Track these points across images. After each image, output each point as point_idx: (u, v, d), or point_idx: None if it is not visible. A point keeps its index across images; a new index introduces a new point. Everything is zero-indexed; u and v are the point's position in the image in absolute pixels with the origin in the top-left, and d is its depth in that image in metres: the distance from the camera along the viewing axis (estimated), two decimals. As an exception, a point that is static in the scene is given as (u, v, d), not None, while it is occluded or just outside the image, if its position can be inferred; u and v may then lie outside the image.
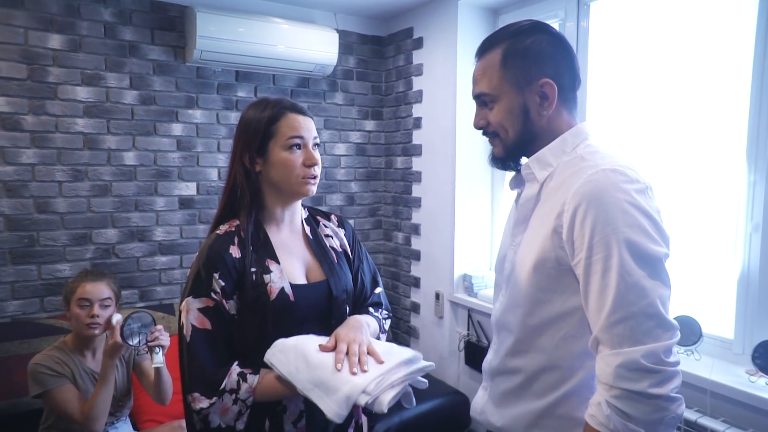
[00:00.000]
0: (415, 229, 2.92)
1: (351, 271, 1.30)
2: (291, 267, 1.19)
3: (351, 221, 3.09)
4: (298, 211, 1.26)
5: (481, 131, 1.08)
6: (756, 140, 1.61)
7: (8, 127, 2.19)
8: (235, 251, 1.13)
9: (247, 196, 1.16)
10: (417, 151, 2.87)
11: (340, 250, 1.30)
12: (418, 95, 2.84)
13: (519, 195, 1.12)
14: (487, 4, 2.52)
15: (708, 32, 1.77)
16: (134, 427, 2.00)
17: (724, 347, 1.74)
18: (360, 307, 1.31)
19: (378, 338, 1.28)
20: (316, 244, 1.26)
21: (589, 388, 0.97)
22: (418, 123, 2.86)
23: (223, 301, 1.10)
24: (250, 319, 1.11)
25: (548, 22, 2.21)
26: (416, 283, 2.94)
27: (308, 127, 1.17)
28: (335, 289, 1.22)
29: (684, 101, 1.85)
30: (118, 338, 1.60)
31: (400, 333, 3.09)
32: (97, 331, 1.71)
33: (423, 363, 1.05)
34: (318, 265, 1.23)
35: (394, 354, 1.04)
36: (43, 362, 1.66)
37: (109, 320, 1.71)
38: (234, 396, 1.04)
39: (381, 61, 3.10)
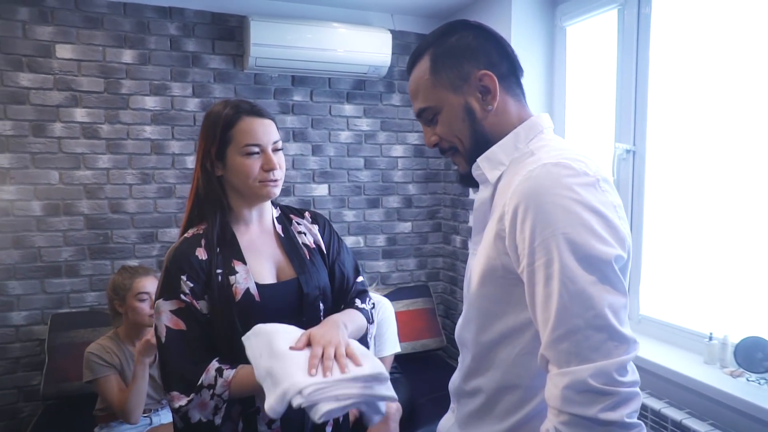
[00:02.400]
0: (472, 233, 2.81)
1: (326, 267, 1.28)
2: (259, 266, 1.19)
3: (408, 224, 3.06)
4: (267, 211, 1.26)
5: (438, 150, 0.99)
6: None
7: (88, 135, 2.44)
8: (201, 253, 1.14)
9: (211, 200, 1.18)
10: (473, 151, 2.77)
11: (314, 246, 1.29)
12: (474, 93, 2.73)
13: None
14: (543, -7, 2.37)
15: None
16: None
17: (804, 378, 1.48)
18: (345, 299, 1.28)
19: (366, 331, 1.25)
20: (287, 242, 1.25)
21: None
22: (474, 122, 2.75)
23: (194, 302, 1.11)
24: (220, 319, 1.12)
25: (606, 9, 2.07)
26: (472, 288, 2.83)
27: (266, 131, 1.15)
28: (306, 286, 1.20)
29: (758, 99, 1.59)
30: (153, 339, 1.71)
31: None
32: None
33: (383, 391, 0.95)
34: (289, 263, 1.22)
35: (362, 365, 0.98)
36: (95, 351, 1.82)
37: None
38: (211, 391, 1.05)
39: (439, 60, 3.02)
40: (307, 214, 1.36)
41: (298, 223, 1.32)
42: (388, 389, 0.96)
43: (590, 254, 0.76)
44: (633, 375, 0.75)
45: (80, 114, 2.42)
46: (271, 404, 0.90)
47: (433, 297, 3.04)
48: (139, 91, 2.50)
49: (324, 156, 2.84)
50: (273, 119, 1.20)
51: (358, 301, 1.29)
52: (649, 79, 1.92)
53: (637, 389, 0.75)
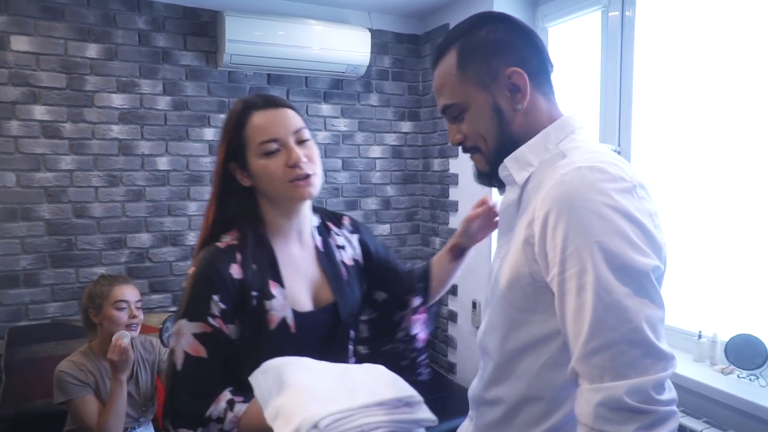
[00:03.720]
0: (453, 234, 2.79)
1: (363, 284, 1.16)
2: (297, 289, 1.04)
3: (386, 226, 3.01)
4: (306, 220, 1.09)
5: (460, 147, 0.95)
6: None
7: (49, 134, 2.27)
8: (236, 270, 0.99)
9: (244, 212, 1.03)
10: (454, 152, 2.75)
11: (352, 262, 1.15)
12: (454, 94, 2.72)
13: None
14: (525, -6, 2.37)
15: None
16: (157, 431, 2.00)
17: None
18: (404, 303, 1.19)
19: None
20: (326, 259, 1.11)
21: (576, 423, 0.83)
22: (454, 123, 2.73)
23: (223, 326, 0.96)
24: (249, 346, 0.99)
25: (590, 10, 2.08)
26: (453, 290, 2.81)
27: (283, 122, 0.99)
28: (343, 312, 1.08)
29: (742, 99, 1.63)
30: (113, 356, 1.61)
31: (438, 342, 2.97)
32: (136, 333, 1.72)
33: (419, 414, 0.81)
34: (326, 284, 1.08)
35: (385, 391, 0.83)
36: (68, 370, 1.68)
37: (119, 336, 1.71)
38: (220, 426, 0.92)
39: (417, 60, 3.00)
40: (345, 220, 1.21)
41: (337, 234, 1.17)
42: (423, 411, 0.83)
43: (626, 264, 0.72)
44: (670, 393, 0.71)
45: (39, 111, 2.25)
46: None
47: (413, 300, 3.00)
48: (105, 88, 2.34)
49: (301, 157, 2.75)
50: (292, 107, 1.03)
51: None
52: (634, 79, 1.95)
53: (675, 408, 0.71)
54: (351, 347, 1.15)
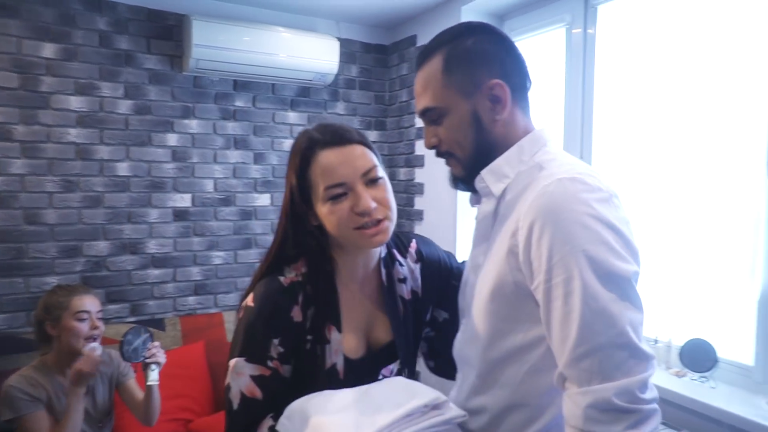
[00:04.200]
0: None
1: (418, 318, 1.09)
2: (353, 333, 1.00)
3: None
4: (375, 256, 1.03)
5: (434, 151, 0.96)
6: (776, 150, 1.49)
7: (-1, 136, 2.16)
8: (296, 314, 0.95)
9: (311, 250, 0.97)
10: (419, 162, 2.78)
11: (410, 296, 1.07)
12: (420, 105, 2.75)
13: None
14: (490, 9, 2.43)
15: (723, 34, 1.66)
16: (116, 448, 1.92)
17: (743, 375, 1.60)
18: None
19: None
20: (389, 296, 1.03)
21: (560, 427, 0.84)
22: (420, 133, 2.77)
23: (280, 367, 0.94)
24: (299, 386, 0.95)
25: (553, 28, 2.16)
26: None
27: (351, 163, 0.90)
28: (401, 352, 1.02)
29: (699, 110, 1.73)
30: (85, 367, 1.54)
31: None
32: (86, 348, 1.64)
33: (449, 413, 0.82)
34: (387, 321, 1.02)
35: (408, 399, 0.83)
36: (18, 385, 1.59)
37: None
38: None
39: (384, 70, 3.03)
40: (412, 248, 1.11)
41: (401, 264, 1.08)
42: (451, 410, 0.84)
43: (610, 271, 0.75)
44: (653, 392, 0.75)
45: (-11, 112, 2.14)
46: None
47: (378, 309, 3.00)
48: (63, 90, 2.25)
49: (266, 165, 2.72)
50: (363, 141, 0.94)
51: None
52: (595, 94, 2.03)
53: (657, 405, 0.75)
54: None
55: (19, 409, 1.56)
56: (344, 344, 0.97)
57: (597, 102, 2.03)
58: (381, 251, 1.04)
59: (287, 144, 2.77)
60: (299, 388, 0.94)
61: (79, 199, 2.30)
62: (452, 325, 1.12)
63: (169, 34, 2.44)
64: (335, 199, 0.90)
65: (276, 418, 0.92)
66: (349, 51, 2.88)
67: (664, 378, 1.72)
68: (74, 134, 2.28)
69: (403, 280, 1.07)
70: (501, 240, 0.87)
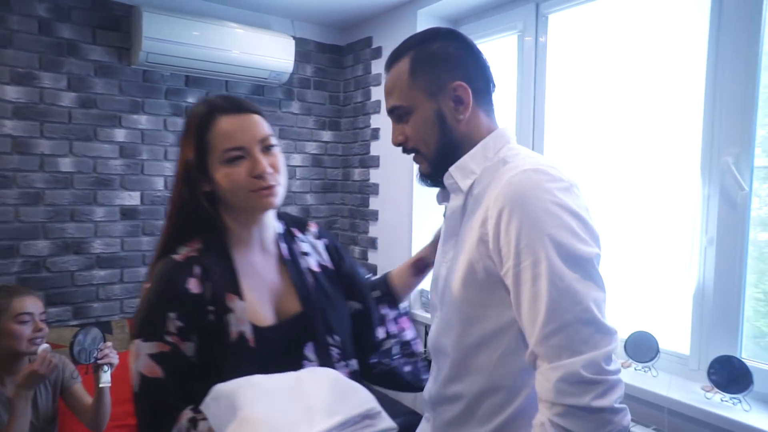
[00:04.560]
0: (372, 243, 2.84)
1: (339, 291, 1.11)
2: (258, 302, 1.00)
3: (306, 234, 2.98)
4: (269, 228, 1.06)
5: (400, 148, 1.02)
6: (709, 154, 1.62)
7: (-75, 127, 2.00)
8: (193, 285, 0.95)
9: (204, 219, 0.99)
10: (375, 162, 2.81)
11: (319, 269, 1.11)
12: (376, 105, 2.78)
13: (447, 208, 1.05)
14: (446, 14, 2.50)
15: (664, 45, 1.78)
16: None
17: (680, 363, 1.73)
18: (372, 340, 1.15)
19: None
20: (293, 268, 1.07)
21: (535, 407, 0.89)
22: (376, 134, 2.80)
23: (180, 343, 0.92)
24: (208, 363, 0.94)
25: (506, 35, 2.24)
26: (373, 298, 2.84)
27: (249, 128, 0.96)
28: (315, 320, 1.03)
29: (639, 115, 1.85)
30: (41, 369, 1.45)
31: (357, 350, 2.98)
32: (40, 348, 1.55)
33: (381, 424, 0.84)
34: (294, 293, 1.04)
35: (343, 405, 0.84)
36: (-50, 391, 1.48)
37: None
38: None
39: (339, 71, 3.03)
40: (312, 227, 1.18)
41: (302, 241, 1.13)
42: (384, 420, 0.86)
43: (574, 253, 0.82)
44: (616, 364, 0.81)
45: None
46: None
47: (333, 309, 3.00)
48: (-2, 79, 2.12)
49: (219, 162, 2.65)
50: (259, 112, 1.00)
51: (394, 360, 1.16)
52: (546, 98, 2.12)
53: (620, 377, 0.81)
54: (336, 351, 1.06)
55: (-48, 419, 1.46)
56: (249, 312, 0.97)
57: (548, 106, 2.13)
58: (277, 227, 1.09)
59: (241, 142, 2.71)
60: (212, 364, 0.93)
61: (16, 196, 2.16)
62: (366, 319, 1.15)
63: (116, 24, 2.34)
64: (233, 161, 0.95)
65: (196, 410, 0.90)
66: (304, 50, 2.86)
67: (610, 368, 1.82)
68: (10, 126, 2.14)
69: (307, 254, 1.11)
70: (470, 231, 0.92)
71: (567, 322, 0.79)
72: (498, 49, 2.34)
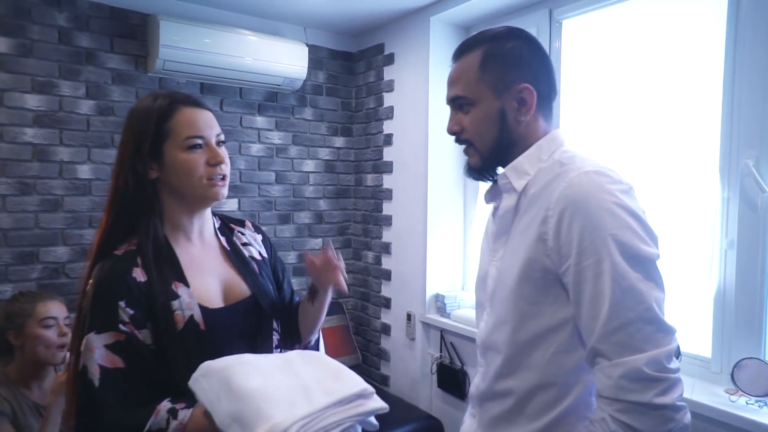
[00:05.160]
0: (386, 248, 2.85)
1: (273, 281, 1.19)
2: (205, 288, 1.04)
3: (319, 240, 3.00)
4: (208, 220, 1.13)
5: (454, 137, 1.04)
6: (728, 156, 1.62)
7: (-53, 135, 2.02)
8: (139, 274, 0.98)
9: (145, 208, 1.02)
10: (388, 168, 2.82)
11: (260, 258, 1.19)
12: (389, 111, 2.80)
13: (496, 208, 1.07)
14: (458, 21, 2.51)
15: (680, 49, 1.79)
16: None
17: (702, 366, 1.72)
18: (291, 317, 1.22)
19: None
20: (235, 256, 1.13)
21: (586, 405, 0.91)
22: (389, 140, 2.81)
23: (135, 331, 0.94)
24: (167, 349, 0.96)
25: (521, 39, 2.25)
26: (387, 303, 2.85)
27: (208, 123, 1.03)
28: (264, 303, 1.10)
29: (657, 118, 1.86)
30: None
31: (370, 356, 2.99)
32: (65, 353, 1.56)
33: (373, 404, 0.88)
34: (241, 280, 1.10)
35: (339, 385, 0.88)
36: (-23, 396, 1.49)
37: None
38: None
39: (351, 77, 3.05)
40: (248, 223, 1.26)
41: (241, 233, 1.21)
42: (376, 401, 0.90)
43: (636, 253, 0.83)
44: (676, 362, 0.82)
45: (-64, 110, 2.00)
46: None
47: (346, 314, 3.00)
48: (18, 87, 2.14)
49: (234, 169, 2.67)
50: (212, 111, 1.07)
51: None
52: (561, 106, 2.13)
53: (680, 375, 0.82)
54: (276, 338, 1.15)
55: (-22, 424, 1.46)
56: (196, 295, 1.01)
57: (563, 111, 2.13)
58: (215, 222, 1.16)
59: (255, 149, 2.74)
60: (167, 351, 0.95)
61: (37, 203, 2.18)
62: (282, 312, 1.21)
63: (133, 33, 2.36)
64: (192, 148, 1.01)
65: (173, 401, 0.91)
66: (316, 57, 2.89)
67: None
68: (31, 134, 2.17)
69: (248, 244, 1.19)
70: (527, 229, 0.94)
71: (629, 320, 0.81)
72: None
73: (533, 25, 2.20)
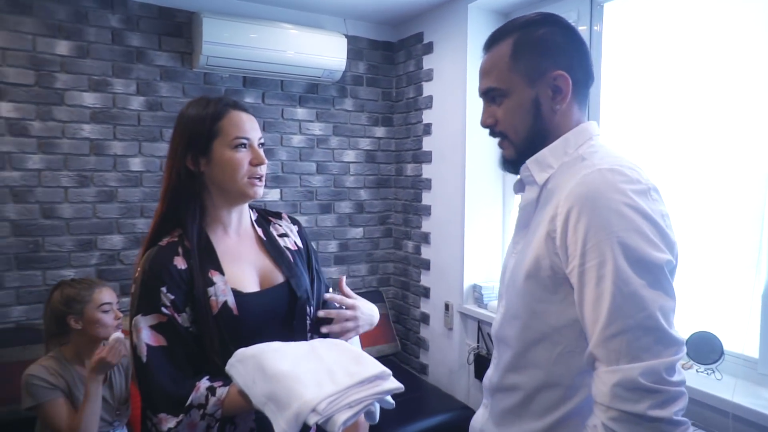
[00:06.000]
0: (425, 238, 2.85)
1: (308, 271, 1.24)
2: (240, 275, 1.12)
3: (360, 229, 3.04)
4: (245, 213, 1.20)
5: (488, 130, 1.01)
6: (781, 146, 1.51)
7: (15, 132, 2.20)
8: (180, 262, 1.07)
9: (190, 200, 1.11)
10: (427, 158, 2.81)
11: (295, 248, 1.25)
12: (428, 101, 2.78)
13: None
14: (497, 7, 2.46)
15: (728, 34, 1.68)
16: (132, 436, 1.96)
17: (748, 367, 1.63)
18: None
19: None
20: (270, 246, 1.20)
21: (592, 408, 0.89)
22: (428, 129, 2.80)
23: (175, 315, 1.03)
24: (204, 331, 1.05)
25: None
26: (426, 293, 2.86)
27: (254, 127, 1.12)
28: (298, 289, 1.16)
29: (703, 108, 1.75)
30: (109, 356, 1.58)
31: (410, 344, 3.02)
32: (111, 337, 1.69)
33: (390, 384, 0.95)
34: (276, 268, 1.17)
35: (360, 368, 0.96)
36: (37, 373, 1.63)
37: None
38: (202, 411, 0.98)
39: (391, 67, 3.05)
40: (285, 215, 1.32)
41: (279, 224, 1.28)
42: (393, 382, 0.97)
43: (643, 258, 0.79)
44: (680, 375, 0.78)
45: (6, 108, 2.18)
46: (283, 428, 0.86)
47: (386, 302, 3.04)
48: (77, 86, 2.29)
49: (276, 160, 2.76)
50: (254, 104, 1.15)
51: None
52: (602, 92, 2.05)
53: (684, 389, 0.78)
54: (309, 323, 1.19)
55: (39, 396, 1.61)
56: (231, 282, 1.08)
57: (603, 97, 2.05)
58: (252, 215, 1.23)
59: (296, 140, 2.80)
60: (204, 336, 1.04)
61: (94, 194, 2.35)
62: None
63: (179, 31, 2.47)
64: (238, 147, 1.09)
65: (211, 379, 1.01)
66: (356, 48, 2.91)
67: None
68: (88, 130, 2.32)
69: (284, 235, 1.25)
70: (539, 225, 0.91)
71: (628, 327, 0.77)
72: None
73: (573, 9, 2.12)
